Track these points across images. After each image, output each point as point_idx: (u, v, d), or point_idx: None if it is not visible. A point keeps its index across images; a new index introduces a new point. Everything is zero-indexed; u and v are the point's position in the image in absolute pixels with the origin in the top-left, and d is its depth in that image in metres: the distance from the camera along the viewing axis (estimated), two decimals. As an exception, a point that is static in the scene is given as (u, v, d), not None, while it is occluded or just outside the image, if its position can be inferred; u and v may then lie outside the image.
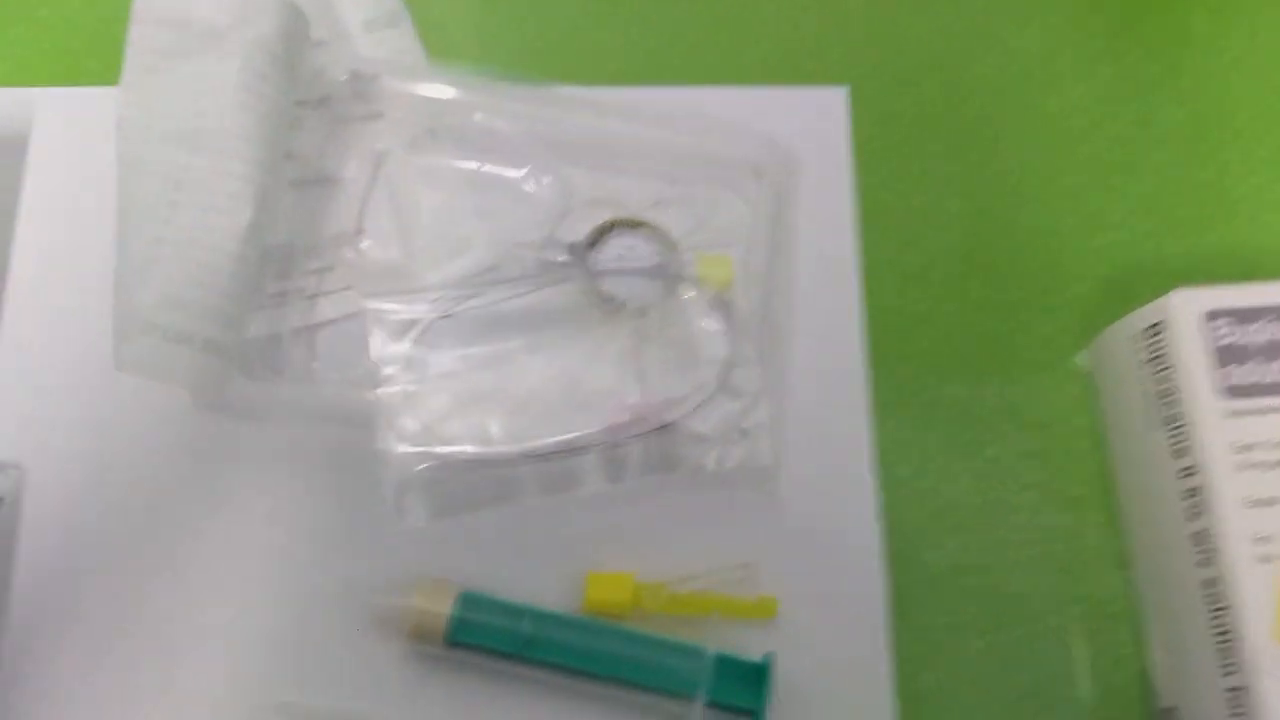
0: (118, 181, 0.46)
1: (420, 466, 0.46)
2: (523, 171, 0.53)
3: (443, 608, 0.44)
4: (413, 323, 0.48)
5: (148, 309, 0.44)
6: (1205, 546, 0.44)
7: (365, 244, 0.51)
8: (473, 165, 0.53)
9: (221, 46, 0.46)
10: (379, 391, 0.47)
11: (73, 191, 0.52)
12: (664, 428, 0.47)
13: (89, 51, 0.56)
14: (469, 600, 0.44)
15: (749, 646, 0.46)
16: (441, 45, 0.56)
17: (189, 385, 0.45)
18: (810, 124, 0.56)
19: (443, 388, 0.48)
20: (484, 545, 0.47)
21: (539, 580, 0.47)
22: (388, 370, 0.47)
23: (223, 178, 0.45)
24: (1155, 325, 0.48)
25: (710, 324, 0.49)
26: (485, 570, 0.46)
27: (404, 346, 0.48)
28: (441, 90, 0.53)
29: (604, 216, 0.52)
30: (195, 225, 0.45)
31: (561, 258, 0.50)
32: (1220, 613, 0.43)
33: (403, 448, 0.46)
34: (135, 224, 0.45)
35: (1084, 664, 0.48)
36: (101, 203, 0.50)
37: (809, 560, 0.48)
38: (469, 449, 0.47)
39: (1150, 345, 0.48)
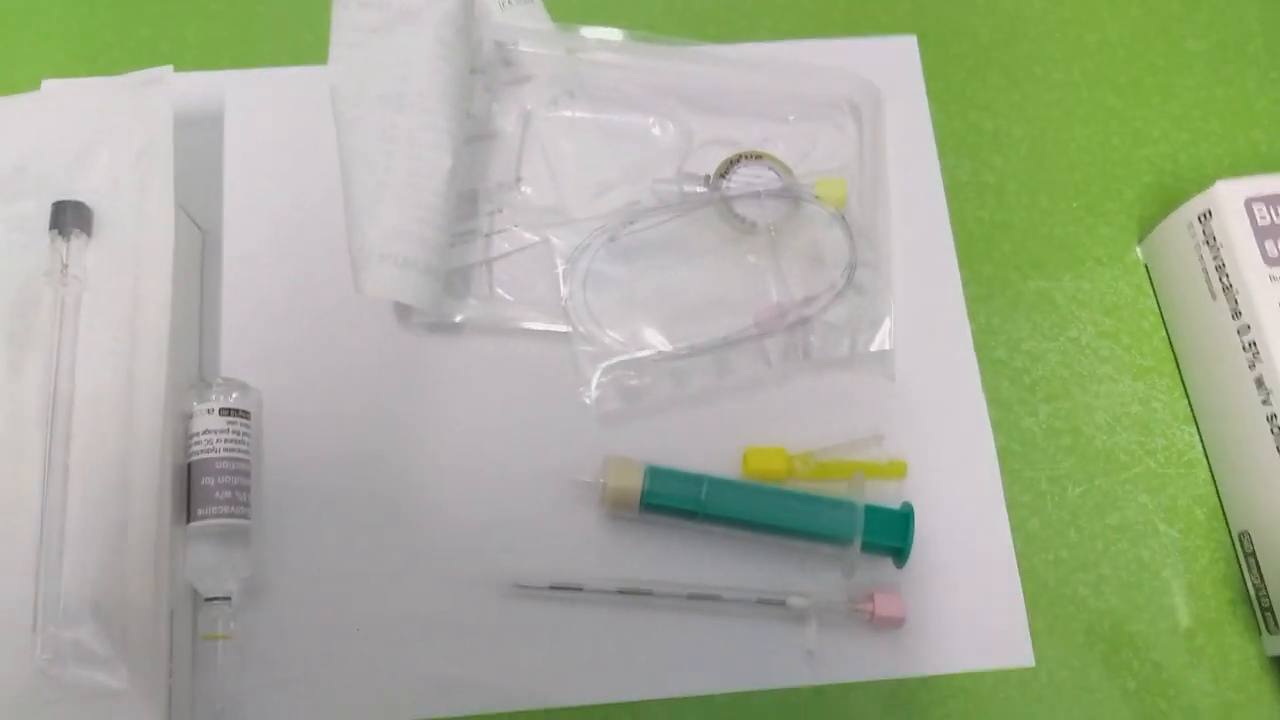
0: (337, 138, 0.54)
1: (604, 364, 0.54)
2: (649, 120, 0.62)
3: (635, 481, 0.52)
4: (584, 248, 0.56)
5: (379, 242, 0.52)
6: (1265, 388, 0.53)
7: (526, 189, 0.60)
8: (606, 118, 0.61)
9: (416, 21, 0.54)
10: (565, 307, 0.55)
11: (265, 157, 0.60)
12: (803, 321, 0.55)
13: (262, 37, 0.64)
14: (655, 473, 0.53)
15: (884, 504, 0.54)
16: (563, 14, 0.64)
17: (417, 302, 0.53)
18: (888, 68, 0.64)
19: (615, 299, 0.56)
20: (659, 427, 0.56)
21: (705, 454, 0.55)
22: (566, 290, 0.56)
23: (426, 131, 0.53)
24: (1205, 213, 0.57)
25: (832, 234, 0.57)
26: (662, 448, 0.54)
27: (578, 268, 0.56)
28: (576, 53, 0.60)
29: (723, 154, 0.60)
30: (409, 171, 0.53)
31: (698, 188, 0.58)
32: (1285, 438, 0.52)
33: (588, 350, 0.54)
34: (358, 174, 0.53)
35: (1166, 504, 0.57)
36: (292, 165, 0.59)
37: (928, 430, 0.57)
38: (642, 349, 0.55)
39: (1204, 229, 0.57)
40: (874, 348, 0.55)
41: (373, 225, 0.51)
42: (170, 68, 0.53)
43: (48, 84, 0.60)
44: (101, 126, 0.52)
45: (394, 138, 0.52)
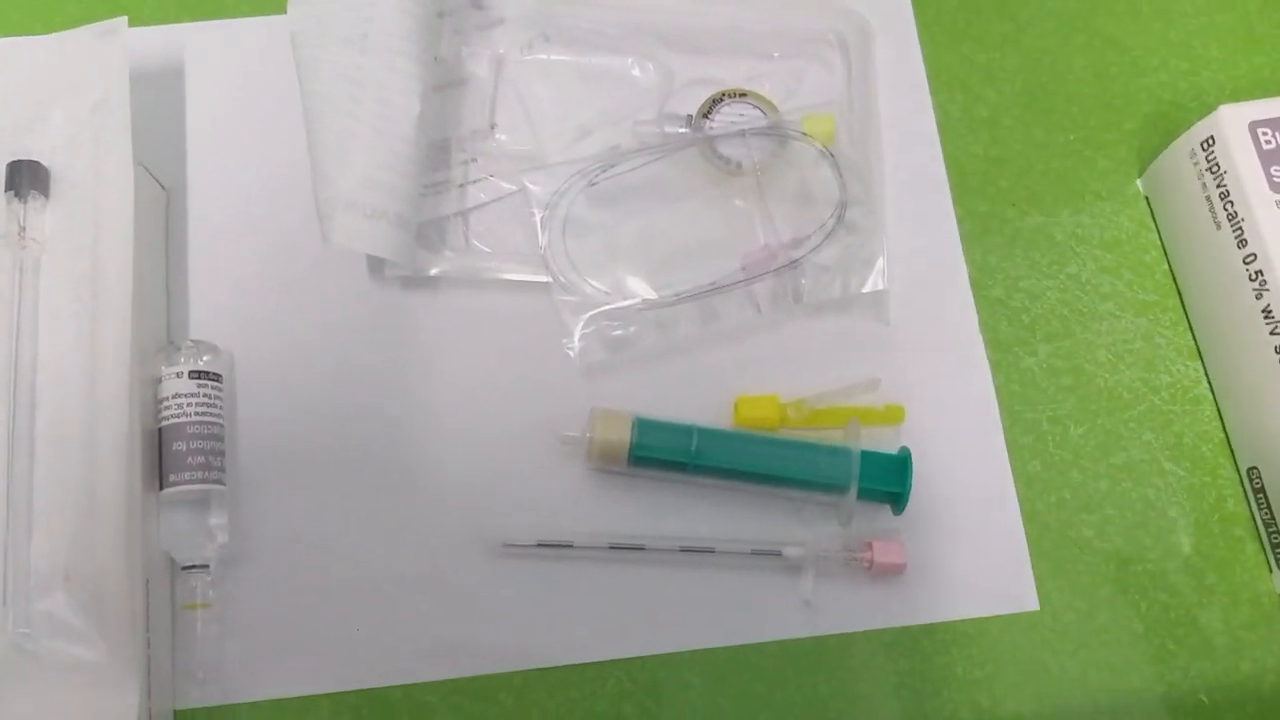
0: (300, 83, 0.52)
1: (587, 315, 0.52)
2: (628, 61, 0.60)
3: (623, 433, 0.50)
4: (562, 194, 0.54)
5: (347, 190, 0.50)
6: (1273, 317, 0.51)
7: (500, 136, 0.57)
8: (583, 60, 0.59)
9: (379, -42, 0.52)
10: (544, 256, 0.53)
11: (229, 111, 0.58)
12: (792, 264, 0.53)
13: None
14: (643, 425, 0.51)
15: (881, 450, 0.52)
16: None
17: (388, 254, 0.51)
18: (876, 1, 0.62)
19: (596, 247, 0.54)
20: (646, 378, 0.54)
21: (694, 405, 0.53)
22: (544, 238, 0.54)
23: (393, 74, 0.51)
24: (1208, 139, 0.55)
25: (821, 172, 0.55)
26: (649, 399, 0.53)
27: (556, 215, 0.54)
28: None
29: (706, 94, 0.58)
30: (377, 115, 0.51)
31: (680, 128, 0.56)
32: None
33: (569, 300, 0.52)
34: (324, 119, 0.51)
35: (1171, 442, 0.55)
36: (257, 118, 0.57)
37: (924, 373, 0.55)
38: (625, 298, 0.53)
39: (1207, 156, 0.55)
40: (867, 289, 0.53)
41: (339, 173, 0.49)
42: (124, 19, 0.51)
43: (1, 43, 0.57)
44: (54, 83, 0.50)
45: (359, 80, 0.50)
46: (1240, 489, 0.54)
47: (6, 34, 0.59)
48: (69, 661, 0.44)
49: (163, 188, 0.55)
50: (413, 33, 0.52)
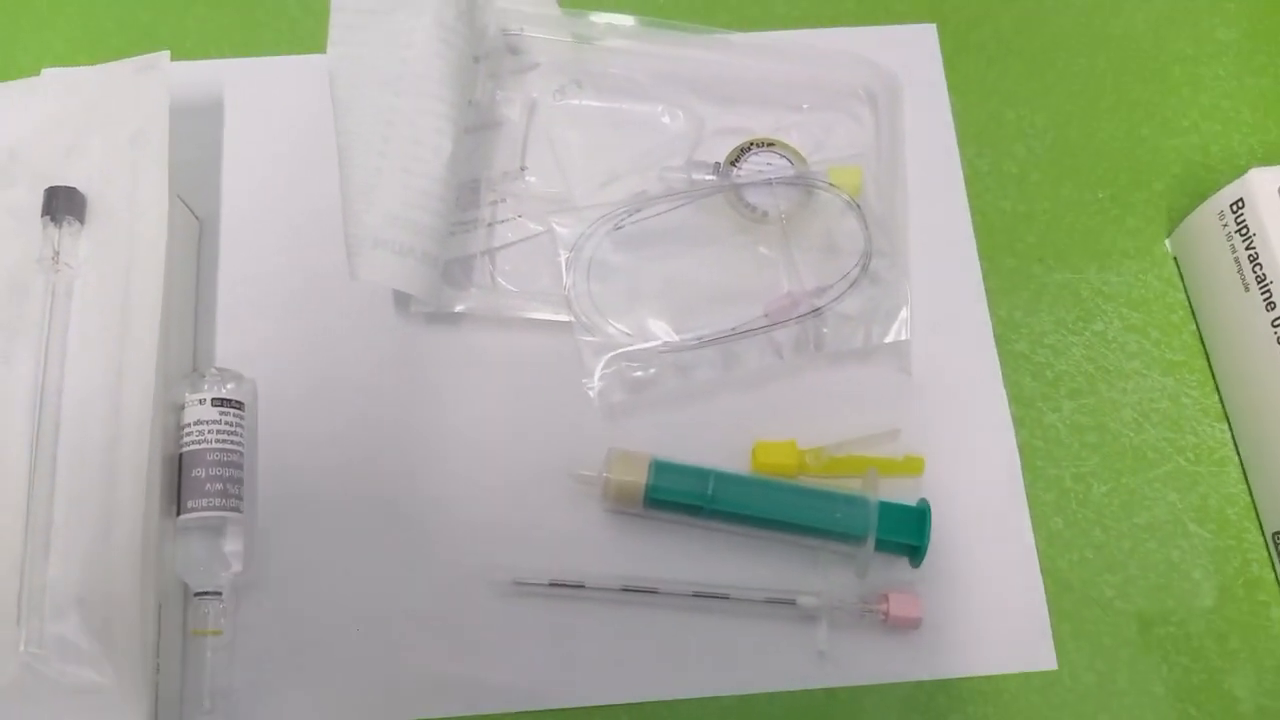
0: (335, 121, 0.53)
1: (608, 355, 0.53)
2: (658, 109, 0.60)
3: (639, 475, 0.50)
4: (588, 236, 0.55)
5: (375, 227, 0.51)
6: (1302, 381, 0.51)
7: (530, 178, 0.58)
8: (614, 106, 0.60)
9: (417, 3, 0.53)
10: (568, 296, 0.53)
11: (264, 146, 0.59)
12: (815, 311, 0.53)
13: (264, 25, 0.63)
14: (660, 467, 0.51)
15: (900, 501, 0.52)
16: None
17: (414, 289, 0.52)
18: (907, 57, 0.63)
19: (620, 289, 0.54)
20: (665, 420, 0.54)
21: (712, 449, 0.53)
22: (569, 279, 0.54)
23: (425, 115, 0.52)
24: (1238, 202, 0.54)
25: (847, 223, 0.55)
26: (667, 441, 0.52)
27: (582, 257, 0.54)
28: (584, 40, 0.59)
29: (735, 143, 0.59)
30: (407, 155, 0.51)
31: (707, 175, 0.57)
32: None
33: (591, 341, 0.53)
34: (355, 157, 0.52)
35: (1196, 503, 0.54)
36: (292, 154, 0.58)
37: (945, 425, 0.55)
38: (647, 340, 0.53)
39: (1236, 218, 0.54)
40: (889, 339, 0.53)
41: (369, 210, 0.50)
42: (166, 53, 0.52)
43: (47, 72, 0.58)
44: (95, 113, 0.51)
45: (392, 121, 0.51)
46: (1266, 553, 0.53)
47: (52, 64, 0.60)
48: (78, 684, 0.44)
49: (196, 218, 0.56)
50: (446, 76, 0.52)
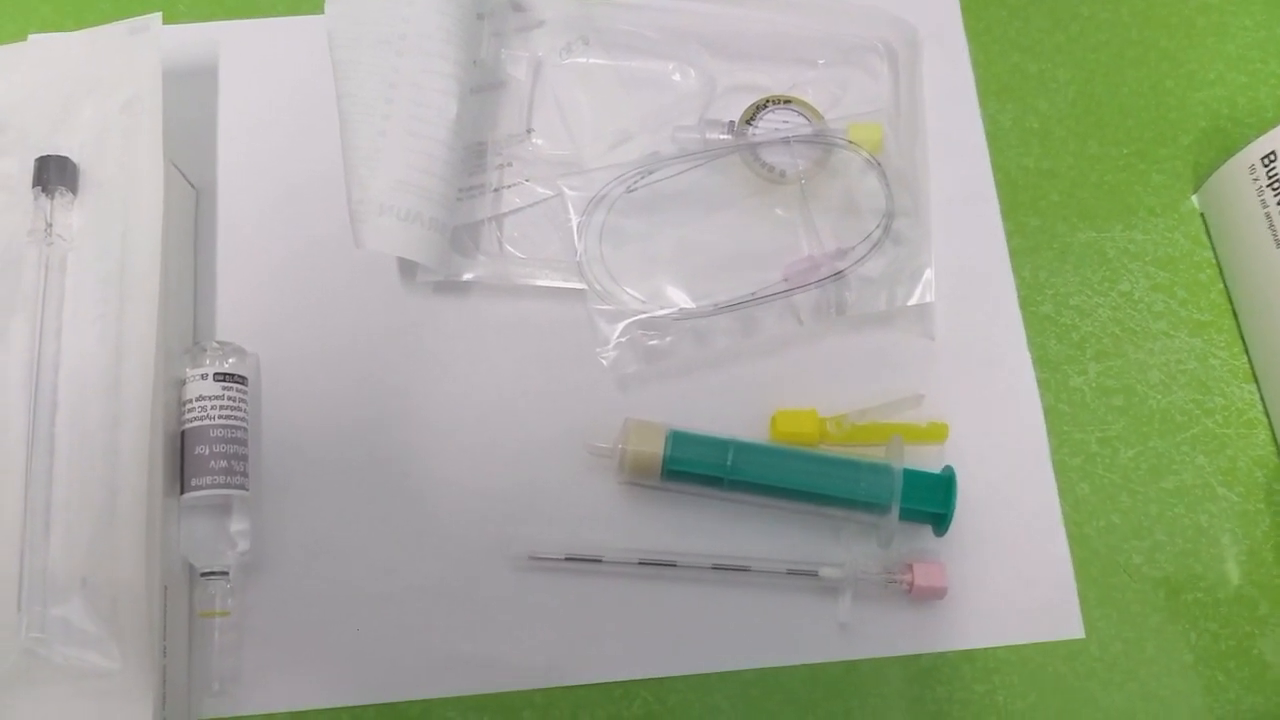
0: (335, 84, 0.51)
1: (622, 323, 0.51)
2: (669, 66, 0.58)
3: (656, 446, 0.49)
4: (599, 199, 0.53)
5: (380, 193, 0.49)
6: (1337, 340, 0.49)
7: (537, 141, 0.56)
8: (623, 64, 0.58)
9: (418, -42, 0.51)
10: (580, 263, 0.52)
11: (262, 110, 0.57)
12: (836, 275, 0.52)
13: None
14: (678, 438, 0.49)
15: (924, 468, 0.50)
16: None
17: (421, 258, 0.50)
18: (925, 8, 0.60)
19: (633, 254, 0.52)
20: (681, 389, 0.52)
21: (731, 418, 0.51)
22: (581, 245, 0.52)
23: (429, 75, 0.50)
24: (1269, 155, 0.53)
25: (867, 182, 0.53)
26: (684, 411, 0.51)
27: (593, 222, 0.53)
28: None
29: (749, 100, 0.57)
30: (411, 118, 0.49)
31: (721, 135, 0.55)
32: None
33: (605, 309, 0.51)
34: (357, 121, 0.50)
35: (1225, 466, 0.53)
36: (291, 118, 0.56)
37: (970, 390, 0.53)
38: (662, 307, 0.51)
39: (1268, 171, 0.53)
40: (913, 302, 0.51)
41: (373, 176, 0.48)
42: (159, 15, 0.50)
43: (34, 38, 0.56)
44: (86, 78, 0.50)
45: (394, 82, 0.49)
46: (1297, 517, 0.52)
47: (38, 29, 0.58)
48: (83, 668, 0.43)
49: (193, 186, 0.54)
50: (451, 34, 0.51)
